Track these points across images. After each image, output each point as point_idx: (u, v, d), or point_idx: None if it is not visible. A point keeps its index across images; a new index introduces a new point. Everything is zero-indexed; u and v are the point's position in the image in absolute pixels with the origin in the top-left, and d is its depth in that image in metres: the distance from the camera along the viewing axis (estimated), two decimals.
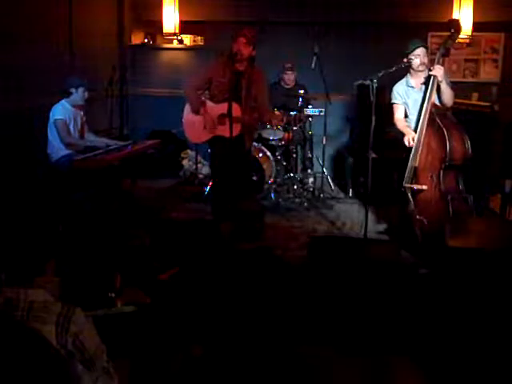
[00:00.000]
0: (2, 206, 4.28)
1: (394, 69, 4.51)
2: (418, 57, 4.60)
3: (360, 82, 4.71)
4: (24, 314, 1.88)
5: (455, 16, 6.37)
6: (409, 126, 4.72)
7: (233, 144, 4.64)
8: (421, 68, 4.66)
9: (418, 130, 4.48)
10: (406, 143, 4.58)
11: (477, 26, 6.31)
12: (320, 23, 6.92)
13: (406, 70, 4.75)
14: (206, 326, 3.17)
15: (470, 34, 6.40)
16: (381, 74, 4.47)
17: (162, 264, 3.66)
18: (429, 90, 4.46)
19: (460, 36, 6.39)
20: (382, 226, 5.30)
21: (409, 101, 4.75)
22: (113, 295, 2.80)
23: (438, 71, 4.43)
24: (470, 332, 3.17)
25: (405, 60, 4.57)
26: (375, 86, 4.45)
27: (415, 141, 4.50)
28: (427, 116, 4.42)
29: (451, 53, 5.19)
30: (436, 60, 4.51)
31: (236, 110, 4.60)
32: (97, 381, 1.98)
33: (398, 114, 4.82)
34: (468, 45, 6.65)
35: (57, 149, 5.03)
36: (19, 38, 5.33)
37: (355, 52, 6.88)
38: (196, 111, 4.84)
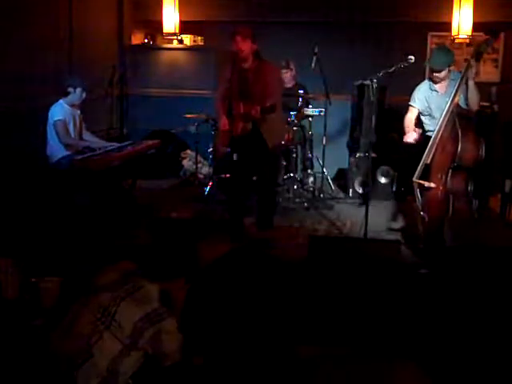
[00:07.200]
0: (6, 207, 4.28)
1: (393, 69, 4.51)
2: (439, 78, 4.54)
3: (360, 82, 4.71)
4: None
5: (455, 16, 6.37)
6: (428, 130, 4.66)
7: (247, 142, 4.78)
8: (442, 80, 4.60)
9: (437, 128, 4.40)
10: (405, 139, 4.62)
11: (477, 26, 6.31)
12: (320, 23, 6.92)
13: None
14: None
15: (470, 33, 6.40)
16: (381, 74, 4.47)
17: (161, 264, 3.65)
18: (454, 90, 4.35)
19: (460, 36, 6.45)
20: (386, 224, 5.34)
21: (431, 105, 4.65)
22: None
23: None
24: (471, 332, 3.17)
25: (403, 65, 4.55)
26: (375, 85, 4.44)
27: (432, 138, 4.42)
28: (448, 116, 4.34)
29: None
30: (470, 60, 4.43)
31: (240, 108, 4.74)
32: None
33: (409, 115, 4.79)
34: (468, 45, 6.64)
35: (56, 150, 5.03)
36: (19, 38, 5.33)
37: (355, 52, 6.88)
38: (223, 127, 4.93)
